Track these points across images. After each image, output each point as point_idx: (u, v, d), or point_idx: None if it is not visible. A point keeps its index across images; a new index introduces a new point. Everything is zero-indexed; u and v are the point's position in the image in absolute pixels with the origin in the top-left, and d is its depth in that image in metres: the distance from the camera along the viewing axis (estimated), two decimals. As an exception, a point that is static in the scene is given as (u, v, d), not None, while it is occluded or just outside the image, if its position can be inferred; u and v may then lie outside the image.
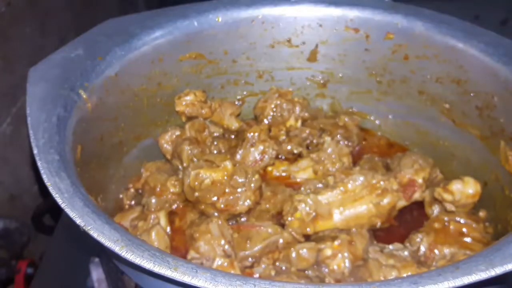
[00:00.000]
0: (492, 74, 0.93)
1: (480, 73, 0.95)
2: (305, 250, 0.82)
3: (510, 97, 0.91)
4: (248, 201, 0.90)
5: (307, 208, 0.88)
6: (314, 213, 0.88)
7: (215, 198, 0.89)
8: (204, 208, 0.91)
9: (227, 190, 0.90)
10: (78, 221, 0.63)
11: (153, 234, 0.85)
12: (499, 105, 0.93)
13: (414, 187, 0.92)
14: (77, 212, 0.63)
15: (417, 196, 0.92)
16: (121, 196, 1.00)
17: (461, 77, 0.99)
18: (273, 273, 0.81)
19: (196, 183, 0.90)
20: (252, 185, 0.91)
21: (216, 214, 0.90)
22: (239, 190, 0.90)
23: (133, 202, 1.00)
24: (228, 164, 0.91)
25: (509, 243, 0.61)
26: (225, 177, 0.90)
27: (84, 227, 0.62)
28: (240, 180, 0.90)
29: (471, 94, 0.98)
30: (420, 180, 0.92)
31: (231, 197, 0.90)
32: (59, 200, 0.65)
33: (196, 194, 0.90)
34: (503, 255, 0.58)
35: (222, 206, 0.89)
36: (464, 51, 0.97)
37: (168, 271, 0.57)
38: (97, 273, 0.97)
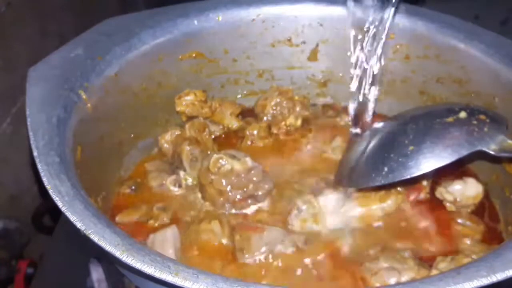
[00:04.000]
0: (493, 74, 0.93)
1: (481, 73, 0.95)
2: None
3: (511, 97, 0.91)
4: (258, 204, 0.91)
5: (310, 209, 0.88)
6: (317, 214, 0.88)
7: (228, 188, 0.90)
8: (210, 192, 0.91)
9: (241, 185, 0.90)
10: (78, 224, 0.62)
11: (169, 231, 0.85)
12: (500, 105, 0.93)
13: (419, 189, 0.92)
14: (78, 216, 0.63)
15: (420, 197, 0.92)
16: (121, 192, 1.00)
17: (462, 78, 0.99)
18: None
19: (216, 168, 0.90)
20: (266, 186, 0.91)
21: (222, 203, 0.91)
22: (251, 186, 0.90)
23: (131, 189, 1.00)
24: (248, 160, 0.91)
25: (510, 248, 0.61)
26: (243, 172, 0.90)
27: (85, 231, 0.62)
28: (255, 179, 0.90)
29: (472, 95, 0.98)
30: (424, 182, 0.92)
31: (242, 191, 0.90)
32: (59, 203, 0.65)
33: (212, 177, 0.90)
34: (504, 261, 0.58)
35: (231, 198, 0.90)
36: (466, 51, 0.97)
37: (169, 276, 0.56)
38: (97, 273, 0.97)
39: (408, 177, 0.79)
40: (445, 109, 0.85)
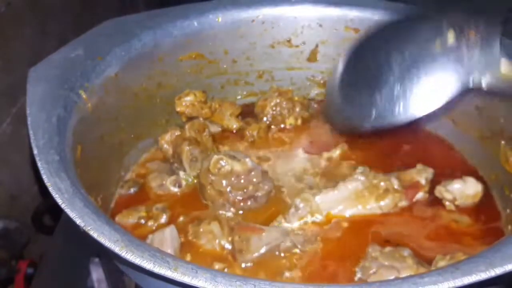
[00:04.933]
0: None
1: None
2: None
3: (510, 97, 0.91)
4: (258, 202, 0.91)
5: (308, 208, 0.88)
6: (315, 212, 0.88)
7: (228, 189, 0.90)
8: (210, 193, 0.91)
9: (240, 186, 0.90)
10: (78, 221, 0.62)
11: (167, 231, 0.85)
12: (499, 105, 0.93)
13: (417, 188, 0.92)
14: (77, 213, 0.63)
15: (419, 196, 0.92)
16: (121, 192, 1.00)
17: (461, 77, 0.99)
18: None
19: (216, 169, 0.91)
20: (266, 186, 0.91)
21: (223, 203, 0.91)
22: (250, 187, 0.90)
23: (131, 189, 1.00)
24: (248, 161, 0.92)
25: (509, 243, 0.61)
26: (243, 173, 0.91)
27: (84, 228, 0.62)
28: (255, 180, 0.91)
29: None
30: (423, 181, 0.93)
31: (242, 192, 0.90)
32: (59, 201, 0.65)
33: (212, 178, 0.91)
34: (503, 256, 0.58)
35: (231, 199, 0.90)
36: (464, 51, 0.96)
37: (168, 272, 0.57)
38: (97, 273, 0.97)
39: (397, 124, 0.78)
40: (432, 29, 0.77)
